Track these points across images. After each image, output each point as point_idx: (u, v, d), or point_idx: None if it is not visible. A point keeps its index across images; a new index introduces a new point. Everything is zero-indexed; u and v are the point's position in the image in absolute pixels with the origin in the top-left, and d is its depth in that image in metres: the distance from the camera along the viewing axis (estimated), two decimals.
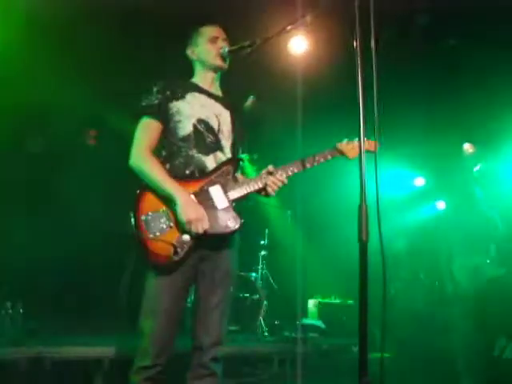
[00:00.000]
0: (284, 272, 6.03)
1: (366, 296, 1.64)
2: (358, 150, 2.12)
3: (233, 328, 5.18)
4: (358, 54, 1.80)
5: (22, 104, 5.03)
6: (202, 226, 2.18)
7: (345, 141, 2.57)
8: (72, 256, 5.07)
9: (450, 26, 4.91)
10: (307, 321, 5.95)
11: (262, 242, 6.11)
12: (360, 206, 1.72)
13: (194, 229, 2.17)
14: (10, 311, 3.95)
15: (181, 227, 2.19)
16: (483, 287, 5.03)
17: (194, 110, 2.40)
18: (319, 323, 5.98)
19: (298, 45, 5.09)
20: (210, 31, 2.56)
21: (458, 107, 5.70)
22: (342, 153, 2.56)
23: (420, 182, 7.62)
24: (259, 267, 5.98)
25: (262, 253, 6.06)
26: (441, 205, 7.31)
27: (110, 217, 4.39)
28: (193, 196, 2.26)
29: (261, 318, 5.48)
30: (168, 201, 2.22)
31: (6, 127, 4.79)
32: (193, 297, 4.22)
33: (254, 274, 5.84)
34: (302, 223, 6.25)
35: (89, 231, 5.31)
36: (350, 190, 3.15)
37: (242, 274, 5.63)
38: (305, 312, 5.99)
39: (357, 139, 2.36)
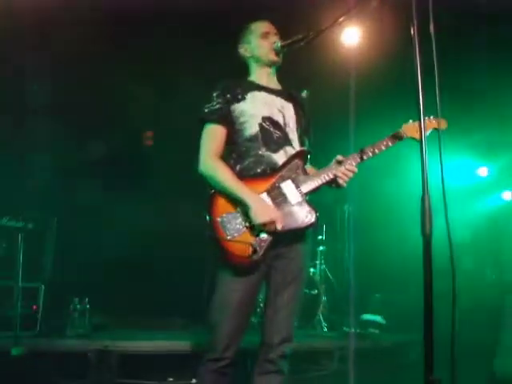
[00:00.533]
0: (343, 267, 5.95)
1: (430, 292, 1.58)
2: (426, 128, 2.10)
3: None
4: (416, 40, 1.74)
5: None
6: (275, 227, 2.18)
7: (410, 122, 2.45)
8: (147, 254, 5.24)
9: None
10: (367, 316, 5.84)
11: (320, 237, 6.07)
12: (423, 198, 1.66)
13: (269, 230, 2.18)
14: (78, 306, 4.11)
15: (257, 226, 2.20)
16: None
17: (257, 108, 2.40)
18: (379, 319, 5.85)
19: (351, 36, 5.00)
20: (260, 27, 2.56)
21: None
22: (406, 135, 2.44)
23: (483, 171, 7.29)
24: (317, 262, 5.94)
25: (320, 248, 6.01)
26: (507, 195, 6.99)
27: (187, 218, 4.46)
28: (265, 194, 2.27)
29: (320, 313, 5.45)
30: (242, 202, 2.23)
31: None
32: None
33: (312, 270, 5.81)
34: (361, 216, 6.14)
35: (163, 230, 5.41)
36: (411, 180, 3.05)
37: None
38: (365, 307, 5.87)
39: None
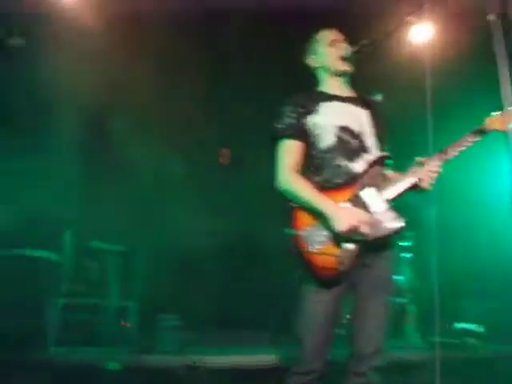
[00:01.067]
0: (432, 274, 5.69)
1: None
2: (507, 120, 2.03)
3: None
4: (496, 25, 1.64)
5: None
6: (360, 232, 2.14)
7: (493, 114, 2.30)
8: (233, 269, 5.35)
9: None
10: (461, 325, 5.52)
11: (406, 244, 5.85)
12: None
13: (353, 237, 2.14)
14: (168, 323, 4.24)
15: (340, 236, 2.17)
16: None
17: (331, 119, 2.36)
18: (475, 327, 5.51)
19: (421, 33, 4.81)
20: (327, 36, 2.52)
21: None
22: (490, 128, 2.31)
23: None
24: (404, 270, 5.72)
25: (407, 255, 5.80)
26: None
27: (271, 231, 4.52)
28: (348, 203, 2.23)
29: (409, 323, 5.23)
30: (322, 213, 2.21)
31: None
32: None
33: (399, 277, 5.62)
34: (450, 219, 5.84)
35: (248, 245, 5.49)
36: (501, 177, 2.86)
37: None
38: (458, 315, 5.56)
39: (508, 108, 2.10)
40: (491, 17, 1.67)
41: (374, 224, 2.18)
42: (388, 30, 2.44)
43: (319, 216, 2.20)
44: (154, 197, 5.43)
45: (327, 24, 2.60)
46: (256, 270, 5.31)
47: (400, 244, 5.77)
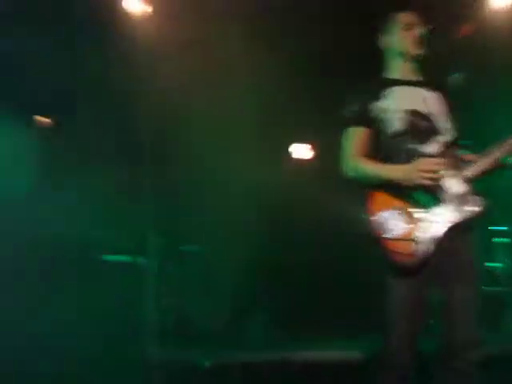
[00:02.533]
0: None
1: None
2: None
3: None
4: None
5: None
6: (428, 164, 2.11)
7: None
8: (319, 262, 5.35)
9: None
10: None
11: (501, 228, 5.52)
12: None
13: (431, 176, 2.10)
14: (258, 319, 4.33)
15: (420, 214, 2.12)
16: None
17: (399, 103, 2.29)
18: None
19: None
20: (404, 18, 2.42)
21: None
22: None
23: None
24: (499, 256, 5.40)
25: (502, 239, 5.46)
26: None
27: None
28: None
29: (508, 313, 4.92)
30: (398, 193, 2.16)
31: None
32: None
33: (495, 264, 5.31)
34: None
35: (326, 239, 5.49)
36: None
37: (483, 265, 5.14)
38: None
39: None
40: None
41: (454, 208, 2.11)
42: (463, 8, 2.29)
43: (396, 196, 2.16)
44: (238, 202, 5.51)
45: (402, 6, 2.51)
46: (336, 259, 5.23)
47: (496, 229, 5.46)
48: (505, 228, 5.46)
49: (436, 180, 2.12)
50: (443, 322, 2.18)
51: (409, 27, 2.38)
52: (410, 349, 2.15)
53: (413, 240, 2.08)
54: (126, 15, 4.59)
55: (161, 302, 4.25)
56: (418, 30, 2.35)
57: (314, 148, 6.37)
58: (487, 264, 5.26)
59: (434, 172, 2.11)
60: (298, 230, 5.49)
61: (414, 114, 2.27)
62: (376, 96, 2.31)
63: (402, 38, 2.39)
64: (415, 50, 2.36)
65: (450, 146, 2.23)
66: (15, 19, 4.38)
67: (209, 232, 4.83)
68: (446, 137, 2.27)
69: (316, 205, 5.44)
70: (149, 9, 4.59)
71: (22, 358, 3.36)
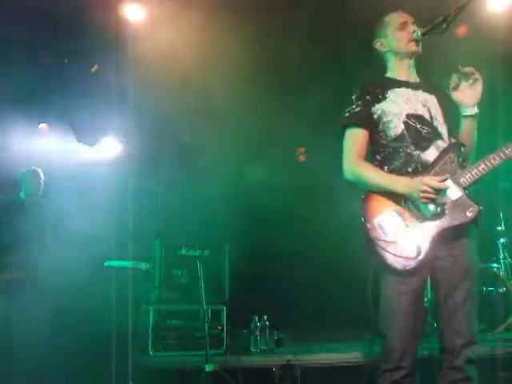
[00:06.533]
0: None
1: None
2: None
3: (479, 327, 4.71)
4: None
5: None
6: (432, 182, 2.13)
7: None
8: (312, 265, 5.35)
9: None
10: None
11: (500, 228, 5.50)
12: None
13: (432, 197, 2.13)
14: (258, 324, 4.31)
15: (418, 220, 2.15)
16: None
17: (400, 106, 2.32)
18: None
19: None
20: (396, 18, 2.47)
21: None
22: None
23: None
24: (501, 256, 5.38)
25: (501, 240, 5.44)
26: None
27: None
28: None
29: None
30: (397, 198, 2.19)
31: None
32: (429, 296, 4.05)
33: (495, 265, 5.28)
34: None
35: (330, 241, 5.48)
36: None
37: (482, 265, 5.12)
38: None
39: None
40: None
41: (450, 212, 2.14)
42: (460, 6, 2.30)
43: (394, 200, 2.18)
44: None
45: (396, 6, 2.54)
46: (334, 263, 5.23)
47: (494, 229, 5.45)
48: (500, 228, 5.45)
49: (435, 199, 2.13)
50: (442, 324, 2.20)
51: (403, 26, 2.41)
52: (410, 353, 2.16)
53: (412, 243, 2.10)
54: None
55: (165, 307, 4.25)
56: (412, 28, 2.38)
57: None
58: (489, 265, 5.25)
59: (437, 192, 2.12)
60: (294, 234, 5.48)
61: (415, 117, 2.29)
62: (377, 98, 2.33)
63: (397, 38, 2.42)
64: (411, 48, 2.39)
65: (449, 150, 2.25)
66: None
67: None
68: (444, 142, 2.30)
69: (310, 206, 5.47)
70: None
71: None
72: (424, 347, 2.25)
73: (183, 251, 4.43)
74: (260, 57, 4.85)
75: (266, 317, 4.32)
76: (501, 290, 5.02)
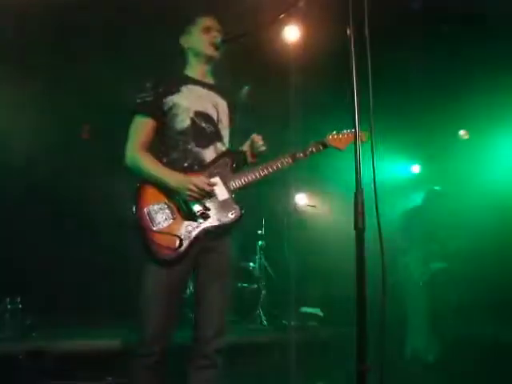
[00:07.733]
0: (282, 261, 6.02)
1: (363, 284, 1.64)
2: (346, 141, 2.50)
3: (231, 318, 5.16)
4: (352, 41, 1.78)
5: None
6: (200, 184, 2.24)
7: (334, 132, 2.60)
8: (71, 255, 5.07)
9: (448, 10, 4.85)
10: (306, 309, 5.96)
11: (259, 232, 6.11)
12: (356, 193, 1.72)
13: (197, 196, 2.23)
14: (9, 307, 3.95)
15: (184, 216, 2.24)
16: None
17: (191, 102, 2.41)
18: (318, 311, 5.99)
19: (292, 33, 5.06)
20: (203, 21, 2.57)
21: (457, 95, 5.69)
22: (330, 144, 2.58)
23: (416, 169, 7.62)
24: (257, 257, 5.97)
25: (260, 242, 6.05)
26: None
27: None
28: None
29: (259, 307, 5.50)
30: (169, 192, 2.25)
31: None
32: (191, 287, 4.26)
33: (251, 264, 5.85)
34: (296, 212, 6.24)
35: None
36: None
37: (240, 264, 5.62)
38: (304, 301, 5.98)
39: (345, 131, 2.55)
40: (348, 31, 1.78)
41: (216, 212, 2.31)
42: (260, 25, 2.52)
43: (166, 193, 2.26)
44: None
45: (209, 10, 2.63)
46: (96, 247, 5.12)
47: (255, 231, 6.02)
48: (260, 232, 6.07)
49: (201, 199, 2.27)
50: (197, 314, 2.35)
51: (207, 30, 2.53)
52: (163, 338, 2.24)
53: (176, 235, 2.20)
54: None
55: None
56: (215, 34, 2.52)
57: None
58: (247, 264, 5.77)
59: (203, 193, 2.26)
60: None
61: (202, 115, 2.41)
62: (170, 91, 2.39)
63: (199, 40, 2.53)
64: (210, 52, 2.51)
65: (225, 155, 2.44)
66: None
67: None
68: (224, 145, 2.48)
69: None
70: None
71: None
72: (178, 336, 2.33)
73: None
74: None
75: (18, 299, 3.97)
76: (253, 287, 5.59)
